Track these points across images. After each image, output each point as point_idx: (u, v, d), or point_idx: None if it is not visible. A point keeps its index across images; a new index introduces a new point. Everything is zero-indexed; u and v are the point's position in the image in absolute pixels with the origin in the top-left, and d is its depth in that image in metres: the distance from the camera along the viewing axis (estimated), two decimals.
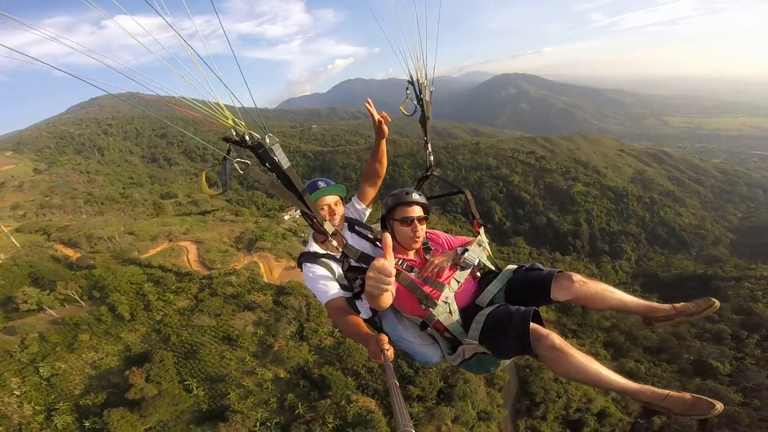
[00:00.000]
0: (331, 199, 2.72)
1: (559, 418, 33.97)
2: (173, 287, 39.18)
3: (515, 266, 2.83)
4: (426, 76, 2.95)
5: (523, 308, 2.29)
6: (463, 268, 2.72)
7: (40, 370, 29.25)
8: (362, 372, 29.36)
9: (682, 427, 32.39)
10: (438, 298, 2.50)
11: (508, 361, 2.57)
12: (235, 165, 1.87)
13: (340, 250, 2.43)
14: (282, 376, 29.19)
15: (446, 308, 2.50)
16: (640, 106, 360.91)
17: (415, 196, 2.77)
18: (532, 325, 2.18)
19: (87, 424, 25.98)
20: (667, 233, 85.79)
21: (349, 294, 2.67)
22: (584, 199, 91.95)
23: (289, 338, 32.18)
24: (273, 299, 37.00)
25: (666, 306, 2.49)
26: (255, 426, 25.91)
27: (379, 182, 3.16)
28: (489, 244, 2.99)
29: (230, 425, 25.61)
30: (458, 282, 2.65)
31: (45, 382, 28.74)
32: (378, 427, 25.48)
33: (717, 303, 2.35)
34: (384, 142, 2.94)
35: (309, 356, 30.40)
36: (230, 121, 1.87)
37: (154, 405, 26.04)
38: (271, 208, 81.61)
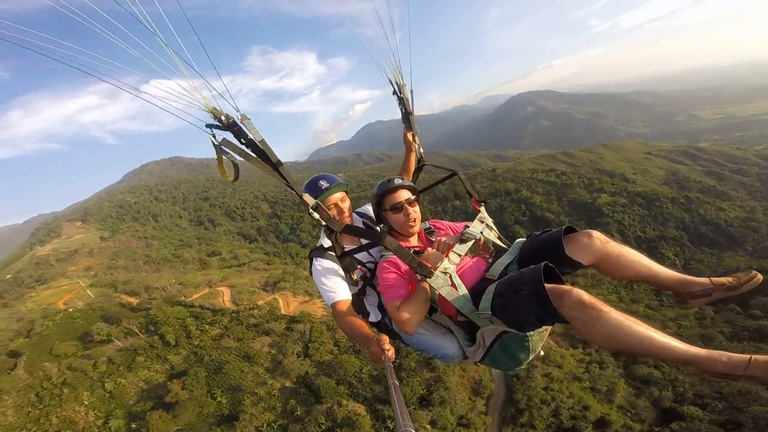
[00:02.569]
0: (337, 196, 2.75)
1: (551, 426, 33.11)
2: (209, 320, 47.62)
3: (525, 237, 2.67)
4: (402, 77, 3.18)
5: (534, 265, 2.03)
6: (463, 242, 2.58)
7: (106, 385, 37.64)
8: (353, 381, 35.15)
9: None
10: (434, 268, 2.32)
11: (539, 343, 2.28)
12: (212, 140, 2.05)
13: (324, 222, 2.44)
14: (287, 385, 35.71)
15: (446, 280, 2.29)
16: (666, 105, 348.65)
17: (398, 181, 2.76)
18: (549, 285, 1.90)
19: (134, 425, 33.51)
20: (712, 231, 79.60)
21: (356, 290, 2.67)
22: (612, 210, 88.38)
23: (295, 355, 38.90)
24: (285, 326, 44.27)
25: (703, 279, 2.18)
26: (262, 426, 31.74)
27: None
28: (495, 223, 2.90)
29: (241, 423, 31.86)
30: (458, 255, 2.48)
31: (108, 394, 36.94)
32: (362, 428, 29.96)
33: (759, 276, 2.13)
34: (413, 155, 3.31)
35: (309, 368, 36.85)
36: (208, 105, 2.01)
37: (185, 407, 33.41)
38: (303, 257, 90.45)
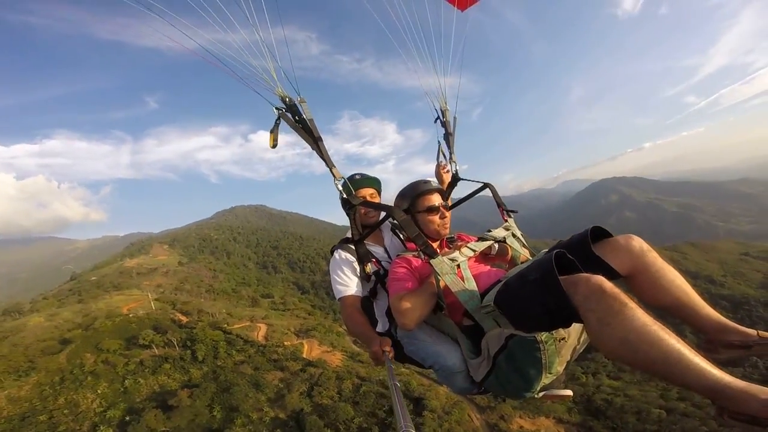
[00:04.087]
0: (367, 191, 2.85)
1: None
2: (238, 347, 51.12)
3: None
4: (446, 103, 3.44)
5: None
6: (481, 240, 2.54)
7: (125, 382, 41.57)
8: (341, 428, 34.97)
9: None
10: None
11: (555, 359, 1.82)
12: (274, 110, 2.39)
13: (338, 187, 2.47)
14: (281, 416, 36.56)
15: (453, 268, 2.07)
16: None
17: (435, 183, 2.71)
18: (564, 276, 1.57)
19: (128, 418, 36.09)
20: None
21: (367, 289, 2.68)
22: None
23: (299, 393, 39.97)
24: (301, 367, 45.87)
25: (748, 330, 1.80)
26: None
27: None
28: (523, 236, 2.74)
29: None
30: (472, 250, 2.36)
31: (122, 389, 40.50)
32: None
33: None
34: (444, 187, 3.28)
35: (306, 407, 37.54)
36: (279, 90, 2.38)
37: (181, 413, 35.81)
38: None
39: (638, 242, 1.95)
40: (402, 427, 1.17)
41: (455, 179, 3.31)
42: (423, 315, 2.19)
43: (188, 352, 48.64)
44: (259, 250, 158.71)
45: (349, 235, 2.76)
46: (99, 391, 40.04)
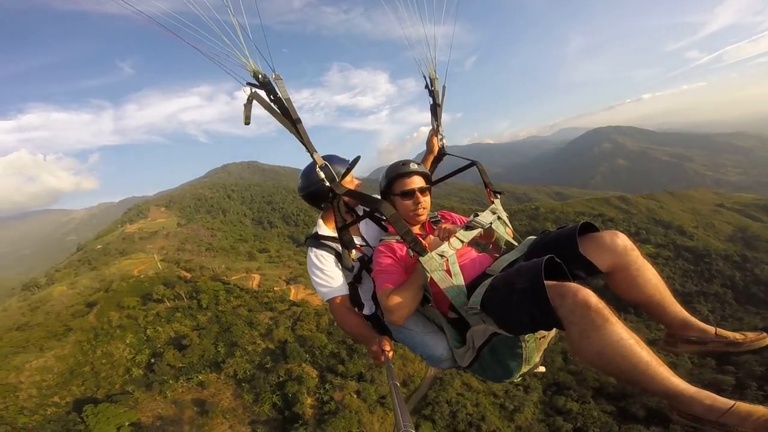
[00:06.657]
0: (348, 179, 2.69)
1: (449, 427, 37.94)
2: (235, 294, 60.98)
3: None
4: (436, 71, 3.23)
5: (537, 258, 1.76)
6: (469, 229, 2.37)
7: (147, 331, 51.49)
8: (317, 352, 45.44)
9: None
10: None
11: (534, 353, 2.02)
12: (244, 89, 2.18)
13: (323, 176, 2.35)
14: (270, 347, 46.98)
15: (442, 264, 2.07)
16: None
17: (414, 166, 2.58)
18: (551, 282, 1.63)
19: (152, 360, 46.41)
20: (764, 291, 71.94)
21: (351, 276, 2.61)
22: (653, 261, 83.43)
23: (284, 328, 50.19)
24: (287, 307, 55.98)
25: (706, 326, 1.99)
26: (238, 371, 43.18)
27: None
28: (509, 218, 2.71)
29: (225, 367, 43.90)
30: (460, 241, 2.25)
31: (145, 338, 50.46)
32: (306, 384, 40.27)
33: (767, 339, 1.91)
34: (432, 157, 3.28)
35: (289, 337, 47.85)
36: (251, 65, 2.14)
37: (192, 351, 45.95)
38: None
39: (622, 240, 2.01)
40: (402, 426, 1.20)
41: (441, 154, 3.27)
42: (412, 310, 2.20)
43: (194, 301, 58.51)
44: (254, 206, 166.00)
45: (319, 230, 2.69)
46: (127, 341, 50.08)
